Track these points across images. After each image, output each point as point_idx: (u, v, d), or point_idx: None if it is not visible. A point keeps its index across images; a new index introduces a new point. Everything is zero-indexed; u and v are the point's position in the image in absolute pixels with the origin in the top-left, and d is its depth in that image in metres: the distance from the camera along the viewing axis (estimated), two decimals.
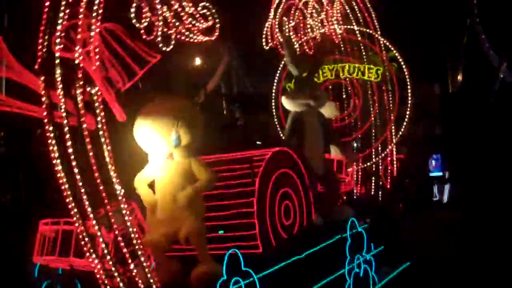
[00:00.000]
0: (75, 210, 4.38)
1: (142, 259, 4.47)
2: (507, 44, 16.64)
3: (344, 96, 9.22)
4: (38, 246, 4.82)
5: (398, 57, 8.59)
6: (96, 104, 4.29)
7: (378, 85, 8.74)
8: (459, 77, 18.37)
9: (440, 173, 12.65)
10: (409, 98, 8.41)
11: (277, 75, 8.58)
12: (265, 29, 7.72)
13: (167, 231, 4.81)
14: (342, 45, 8.95)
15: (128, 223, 4.48)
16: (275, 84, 8.60)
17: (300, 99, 6.66)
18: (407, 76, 8.48)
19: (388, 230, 6.40)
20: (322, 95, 7.02)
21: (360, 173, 8.80)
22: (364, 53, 8.86)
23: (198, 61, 10.27)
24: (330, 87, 9.07)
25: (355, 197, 7.96)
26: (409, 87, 8.45)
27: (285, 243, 5.58)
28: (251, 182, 5.34)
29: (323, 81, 8.85)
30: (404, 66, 8.49)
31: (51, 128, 4.29)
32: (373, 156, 8.90)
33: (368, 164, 8.79)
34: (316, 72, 7.21)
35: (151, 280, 4.43)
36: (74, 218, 4.40)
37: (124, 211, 4.46)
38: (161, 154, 4.78)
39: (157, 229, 4.84)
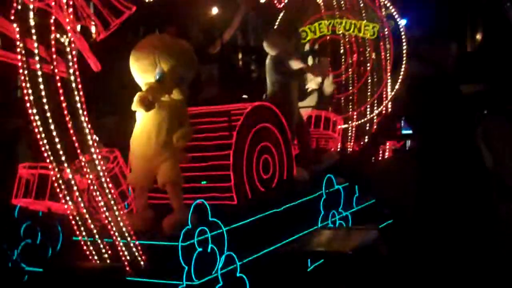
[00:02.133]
0: (50, 155, 4.52)
1: (115, 207, 4.62)
2: None
3: (341, 52, 9.16)
4: (16, 188, 4.96)
5: (395, 14, 8.50)
6: (68, 51, 4.37)
7: (375, 42, 8.67)
8: (478, 37, 18.00)
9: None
10: (404, 57, 8.35)
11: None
12: None
13: (146, 169, 4.94)
14: (341, 1, 8.86)
15: (101, 172, 4.59)
16: None
17: (281, 41, 6.63)
18: (402, 35, 8.40)
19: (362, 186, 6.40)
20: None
21: (353, 131, 8.83)
22: (362, 10, 8.75)
23: (215, 10, 10.16)
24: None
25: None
26: (404, 45, 8.37)
27: (261, 196, 5.68)
28: (229, 135, 5.42)
29: (320, 36, 8.80)
30: (400, 24, 8.40)
31: (26, 73, 4.40)
32: (368, 113, 8.91)
33: (362, 121, 8.80)
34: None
35: (124, 228, 4.58)
36: (49, 164, 4.56)
37: (96, 160, 4.57)
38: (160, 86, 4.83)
39: (139, 169, 4.98)
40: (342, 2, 8.90)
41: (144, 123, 4.95)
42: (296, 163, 6.40)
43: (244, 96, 7.84)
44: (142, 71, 4.91)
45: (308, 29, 8.77)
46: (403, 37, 8.38)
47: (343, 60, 9.06)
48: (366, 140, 8.70)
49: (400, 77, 8.43)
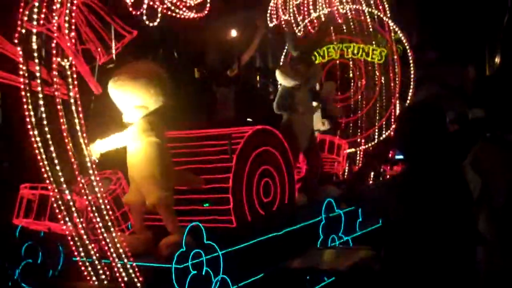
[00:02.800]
0: (49, 176, 4.59)
1: (112, 228, 4.66)
2: None
3: (351, 76, 9.21)
4: (17, 208, 5.04)
5: (403, 39, 8.54)
6: (69, 75, 4.47)
7: (383, 66, 8.71)
8: (497, 60, 17.88)
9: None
10: (412, 81, 8.37)
11: (283, 55, 8.65)
12: (270, 6, 7.76)
13: (137, 190, 5.01)
14: (351, 25, 8.92)
15: (99, 194, 4.65)
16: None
17: (295, 78, 6.72)
18: (410, 59, 8.43)
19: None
20: (314, 75, 7.07)
21: (360, 155, 8.84)
22: (371, 35, 8.81)
23: (234, 33, 10.28)
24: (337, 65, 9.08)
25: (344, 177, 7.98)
26: (412, 69, 8.39)
27: (261, 220, 5.70)
28: (229, 158, 5.46)
29: (328, 60, 8.87)
30: (408, 49, 8.43)
31: (28, 95, 4.49)
32: (376, 137, 8.91)
33: (369, 145, 8.80)
34: (311, 51, 7.23)
35: (121, 250, 4.62)
36: (49, 185, 4.63)
37: (95, 182, 4.63)
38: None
39: (133, 190, 5.05)
40: (351, 27, 8.96)
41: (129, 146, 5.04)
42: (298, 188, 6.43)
43: (249, 119, 7.87)
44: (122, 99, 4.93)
45: (317, 53, 8.84)
46: (411, 61, 8.38)
47: (352, 84, 9.10)
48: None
49: (408, 101, 8.44)
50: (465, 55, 15.37)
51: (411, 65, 8.38)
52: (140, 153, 4.94)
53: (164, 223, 4.95)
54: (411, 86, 8.34)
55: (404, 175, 3.35)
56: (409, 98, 8.41)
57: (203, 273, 4.52)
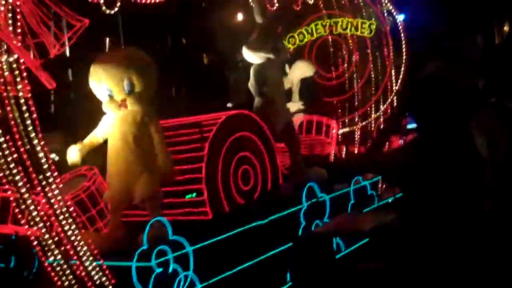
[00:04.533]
0: (8, 178, 4.39)
1: (76, 231, 4.45)
2: None
3: (344, 52, 8.88)
4: None
5: (393, 11, 8.18)
6: (17, 72, 4.23)
7: (373, 40, 8.37)
8: (506, 28, 17.49)
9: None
10: (404, 54, 8.03)
11: None
12: None
13: (121, 187, 4.80)
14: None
15: (59, 197, 4.43)
16: None
17: (262, 51, 6.29)
18: (401, 31, 8.08)
19: None
20: (284, 50, 6.69)
21: (358, 133, 8.53)
22: (360, 8, 8.47)
23: (240, 16, 10.03)
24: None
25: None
26: (403, 43, 8.04)
27: (241, 209, 5.46)
28: (201, 147, 5.22)
29: (317, 38, 8.55)
30: (398, 21, 8.08)
31: None
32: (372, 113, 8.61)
33: (364, 123, 8.49)
34: (279, 22, 6.80)
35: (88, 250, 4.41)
36: (8, 187, 4.42)
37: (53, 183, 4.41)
38: (114, 103, 4.74)
39: (116, 187, 4.84)
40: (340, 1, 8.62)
41: (113, 140, 4.83)
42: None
43: (229, 104, 7.61)
44: (111, 83, 4.76)
45: (305, 30, 8.53)
46: (401, 33, 8.04)
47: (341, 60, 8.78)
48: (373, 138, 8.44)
49: (401, 74, 8.12)
50: (474, 26, 15.10)
51: (402, 38, 8.01)
52: (139, 144, 4.74)
53: (150, 217, 4.71)
54: (404, 60, 7.99)
55: (418, 141, 3.67)
56: (401, 71, 8.04)
57: (170, 271, 4.28)
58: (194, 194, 5.36)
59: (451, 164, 3.45)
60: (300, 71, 7.98)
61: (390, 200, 7.23)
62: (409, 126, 9.00)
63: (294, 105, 7.93)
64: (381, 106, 8.54)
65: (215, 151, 5.29)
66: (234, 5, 9.54)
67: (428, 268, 3.50)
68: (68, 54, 7.88)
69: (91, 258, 4.38)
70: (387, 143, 8.30)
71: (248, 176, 5.68)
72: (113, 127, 4.80)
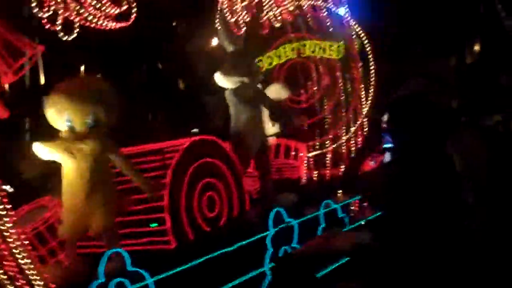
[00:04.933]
0: None
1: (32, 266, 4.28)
2: None
3: (313, 75, 8.82)
4: None
5: (361, 33, 8.16)
6: None
7: (342, 62, 8.33)
8: (477, 47, 17.69)
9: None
10: (372, 77, 7.99)
11: None
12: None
13: (77, 221, 4.68)
14: (306, 22, 8.55)
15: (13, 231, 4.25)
16: None
17: (235, 75, 6.24)
18: (369, 53, 8.05)
19: None
20: (258, 71, 6.64)
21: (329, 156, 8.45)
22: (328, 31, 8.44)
23: (215, 41, 9.94)
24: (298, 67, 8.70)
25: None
26: (371, 65, 8.01)
27: (206, 237, 5.32)
28: (163, 174, 5.09)
29: (286, 61, 8.49)
30: (366, 42, 8.06)
31: None
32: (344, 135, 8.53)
33: (335, 145, 8.41)
34: (251, 49, 6.78)
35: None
36: None
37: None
38: (73, 134, 4.60)
39: (71, 219, 4.71)
40: (308, 24, 8.58)
41: (69, 172, 4.70)
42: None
43: (194, 130, 7.50)
44: (75, 116, 4.60)
45: (273, 54, 8.48)
46: (369, 55, 8.02)
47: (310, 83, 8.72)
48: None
49: (370, 96, 8.08)
50: (448, 47, 15.31)
51: (370, 59, 7.98)
52: (97, 177, 4.63)
53: (108, 249, 4.57)
54: (372, 81, 7.95)
55: (398, 160, 3.75)
56: (370, 93, 8.00)
57: None
58: (156, 224, 5.23)
59: (431, 183, 3.48)
60: (274, 94, 7.88)
61: (363, 222, 7.14)
62: (385, 146, 9.11)
63: (271, 129, 7.82)
64: (352, 128, 8.47)
65: (178, 178, 5.17)
66: (208, 30, 9.48)
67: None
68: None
69: None
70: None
71: (214, 203, 5.54)
72: (70, 159, 4.64)
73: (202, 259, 4.90)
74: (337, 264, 5.87)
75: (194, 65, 9.88)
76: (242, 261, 5.25)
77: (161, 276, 4.44)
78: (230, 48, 6.40)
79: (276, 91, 7.35)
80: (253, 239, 5.38)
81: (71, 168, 4.67)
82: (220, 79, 6.22)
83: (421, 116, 3.55)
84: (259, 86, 7.28)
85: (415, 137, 3.53)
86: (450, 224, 3.49)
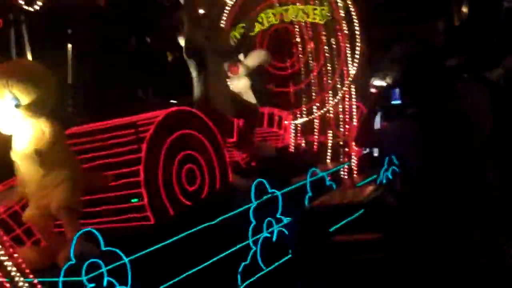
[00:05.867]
0: None
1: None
2: None
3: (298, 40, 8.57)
4: None
5: None
6: None
7: (326, 26, 8.08)
8: (464, 9, 17.47)
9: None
10: (357, 40, 7.75)
11: None
12: None
13: (38, 203, 4.49)
14: None
15: None
16: None
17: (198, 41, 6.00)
18: (354, 17, 7.79)
19: None
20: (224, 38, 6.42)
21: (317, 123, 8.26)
22: None
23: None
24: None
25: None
26: (356, 27, 7.75)
27: (187, 211, 5.14)
28: (137, 149, 4.89)
29: (269, 27, 8.25)
30: (350, 5, 7.79)
31: None
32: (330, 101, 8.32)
33: (322, 111, 8.20)
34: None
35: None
36: None
37: None
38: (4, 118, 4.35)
39: (32, 203, 4.54)
40: None
41: (16, 158, 4.51)
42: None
43: (173, 101, 7.28)
44: None
45: (255, 20, 8.22)
46: (354, 18, 7.76)
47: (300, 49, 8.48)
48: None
49: (356, 60, 7.85)
50: (433, 10, 15.16)
51: (355, 23, 7.73)
52: (47, 157, 4.37)
53: (65, 231, 4.40)
54: (357, 43, 7.71)
55: (414, 115, 3.89)
56: (356, 56, 7.77)
57: (104, 286, 3.94)
58: (137, 199, 5.04)
59: (449, 138, 3.69)
60: (257, 60, 7.64)
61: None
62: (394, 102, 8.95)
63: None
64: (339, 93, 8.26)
65: (153, 152, 4.96)
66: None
67: (424, 241, 3.73)
68: None
69: (18, 275, 4.04)
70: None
71: (194, 176, 5.35)
72: (12, 145, 4.45)
73: (182, 235, 4.72)
74: (352, 217, 6.00)
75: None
76: (226, 235, 5.09)
77: (138, 255, 4.25)
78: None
79: (258, 57, 7.12)
80: (234, 212, 5.21)
81: (17, 154, 4.48)
82: (182, 41, 6.01)
83: (433, 71, 3.80)
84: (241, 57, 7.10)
85: (431, 90, 3.75)
86: (470, 180, 3.69)
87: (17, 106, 4.31)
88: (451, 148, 3.66)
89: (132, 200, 5.10)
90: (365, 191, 6.57)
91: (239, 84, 7.18)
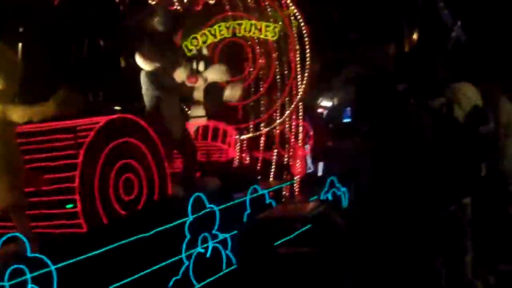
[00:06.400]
0: None
1: None
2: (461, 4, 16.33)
3: (248, 56, 8.57)
4: None
5: (297, 14, 7.95)
6: None
7: (278, 43, 8.12)
8: (415, 36, 17.93)
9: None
10: (307, 60, 7.80)
11: None
12: None
13: None
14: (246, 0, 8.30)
15: None
16: None
17: (156, 62, 5.97)
18: (305, 36, 7.85)
19: None
20: (182, 59, 6.40)
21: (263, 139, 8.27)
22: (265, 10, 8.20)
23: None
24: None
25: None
26: (307, 48, 7.81)
27: (122, 221, 5.05)
28: (75, 154, 4.78)
29: (220, 40, 8.22)
30: (302, 25, 7.85)
31: None
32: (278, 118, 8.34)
33: (269, 128, 8.22)
34: (177, 30, 6.51)
35: None
36: None
37: None
38: None
39: None
40: (246, 2, 8.33)
41: None
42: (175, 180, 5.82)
43: (116, 107, 7.16)
44: None
45: (208, 32, 8.19)
46: (305, 38, 7.83)
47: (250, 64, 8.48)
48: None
49: (305, 78, 7.91)
50: (386, 34, 15.50)
51: (306, 42, 7.79)
52: None
53: (17, 229, 4.27)
54: (307, 63, 7.77)
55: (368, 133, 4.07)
56: (305, 76, 7.83)
57: None
58: (72, 205, 4.93)
59: (398, 153, 3.88)
60: (216, 74, 7.56)
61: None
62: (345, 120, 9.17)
63: (197, 110, 7.55)
64: (286, 111, 8.29)
65: (91, 158, 4.86)
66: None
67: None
68: None
69: None
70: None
71: (132, 186, 5.26)
72: None
73: (114, 245, 4.63)
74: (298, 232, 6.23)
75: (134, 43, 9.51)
76: (159, 248, 5.01)
77: (65, 263, 4.15)
78: (160, 27, 6.12)
79: (219, 72, 7.08)
80: (170, 225, 5.14)
81: None
82: (139, 60, 5.94)
83: (386, 93, 3.98)
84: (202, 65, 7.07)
85: (382, 110, 3.94)
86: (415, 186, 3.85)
87: None
88: (401, 162, 3.84)
89: (67, 206, 4.98)
90: (308, 207, 6.75)
91: (195, 95, 7.18)
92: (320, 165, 9.92)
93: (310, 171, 9.46)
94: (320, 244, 5.38)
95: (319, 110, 11.42)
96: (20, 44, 7.67)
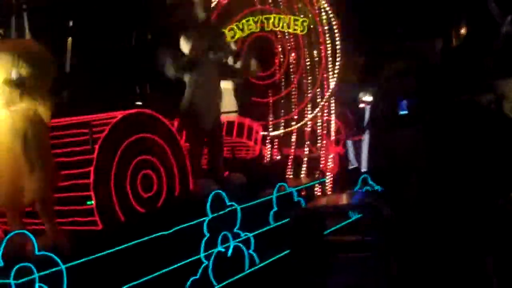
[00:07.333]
0: None
1: None
2: None
3: (277, 50, 8.35)
4: None
5: (328, 8, 7.70)
6: None
7: (308, 38, 7.89)
8: (463, 31, 17.43)
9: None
10: (338, 54, 7.55)
11: None
12: None
13: (10, 191, 4.24)
14: None
15: None
16: None
17: (193, 42, 5.90)
18: (335, 31, 7.60)
19: None
20: (222, 45, 6.29)
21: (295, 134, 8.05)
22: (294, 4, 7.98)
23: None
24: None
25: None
26: (337, 41, 7.56)
27: (140, 219, 4.89)
28: (90, 149, 4.65)
29: (248, 34, 8.03)
30: (332, 18, 7.60)
31: None
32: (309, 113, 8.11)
33: (299, 124, 7.99)
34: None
35: None
36: None
37: None
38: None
39: (3, 187, 4.26)
40: None
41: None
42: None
43: (138, 102, 7.02)
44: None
45: (236, 26, 8.01)
46: (335, 31, 7.57)
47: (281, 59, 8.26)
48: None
49: (336, 73, 7.65)
50: (433, 29, 15.09)
51: (336, 35, 7.54)
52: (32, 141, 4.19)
53: (44, 221, 4.23)
54: (338, 57, 7.52)
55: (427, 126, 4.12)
56: (336, 69, 7.58)
57: None
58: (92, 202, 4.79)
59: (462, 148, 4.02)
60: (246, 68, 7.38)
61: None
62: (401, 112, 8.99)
63: (228, 106, 7.38)
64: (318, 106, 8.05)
65: (107, 154, 4.72)
66: None
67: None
68: None
69: None
70: None
71: (151, 182, 5.10)
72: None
73: (130, 244, 4.47)
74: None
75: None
76: (178, 247, 4.84)
77: (75, 263, 4.00)
78: (202, 15, 6.00)
79: (247, 67, 6.91)
80: (189, 224, 4.96)
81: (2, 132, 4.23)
82: (183, 44, 5.88)
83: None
84: (230, 59, 6.90)
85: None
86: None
87: (19, 85, 4.10)
88: (459, 156, 3.99)
89: (88, 203, 4.85)
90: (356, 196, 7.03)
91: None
92: (364, 160, 9.67)
93: (352, 167, 9.34)
94: (368, 233, 5.37)
95: (361, 105, 11.07)
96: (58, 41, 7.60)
